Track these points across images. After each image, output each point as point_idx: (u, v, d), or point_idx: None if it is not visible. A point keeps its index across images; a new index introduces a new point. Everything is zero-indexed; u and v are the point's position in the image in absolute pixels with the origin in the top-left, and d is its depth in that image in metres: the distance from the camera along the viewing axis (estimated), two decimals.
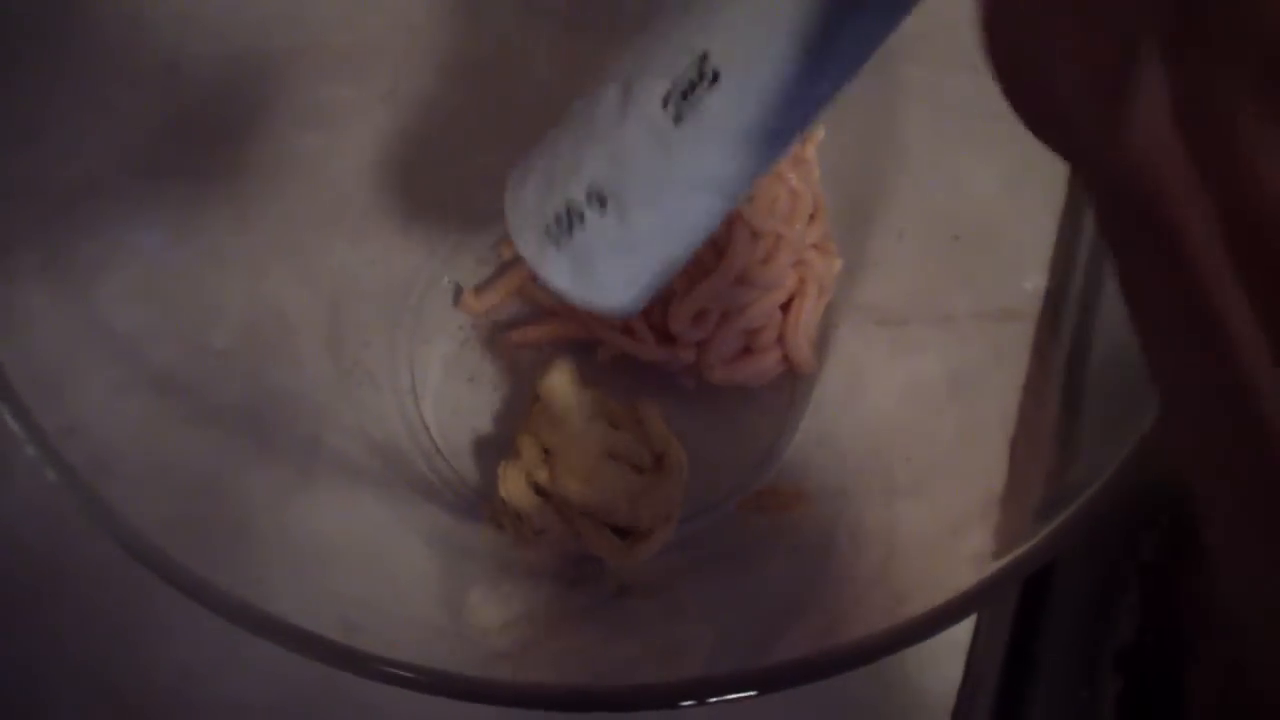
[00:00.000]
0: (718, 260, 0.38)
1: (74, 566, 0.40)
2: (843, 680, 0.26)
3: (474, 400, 0.42)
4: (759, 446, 0.41)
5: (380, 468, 0.40)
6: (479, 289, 0.42)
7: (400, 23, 0.43)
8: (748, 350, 0.40)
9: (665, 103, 0.23)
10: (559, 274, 0.26)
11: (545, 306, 0.41)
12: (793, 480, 0.39)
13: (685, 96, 0.23)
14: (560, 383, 0.36)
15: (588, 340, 0.40)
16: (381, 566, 0.36)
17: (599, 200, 0.24)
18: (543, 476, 0.36)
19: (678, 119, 0.23)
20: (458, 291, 0.43)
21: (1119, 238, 0.16)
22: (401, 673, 0.26)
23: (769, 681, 0.26)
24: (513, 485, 0.37)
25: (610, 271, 0.26)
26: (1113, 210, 0.16)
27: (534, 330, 0.41)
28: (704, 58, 0.22)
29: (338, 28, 0.42)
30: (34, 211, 0.33)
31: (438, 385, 0.42)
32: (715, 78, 0.22)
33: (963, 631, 0.39)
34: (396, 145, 0.44)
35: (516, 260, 0.42)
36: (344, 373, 0.41)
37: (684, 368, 0.40)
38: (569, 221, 0.25)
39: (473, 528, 0.38)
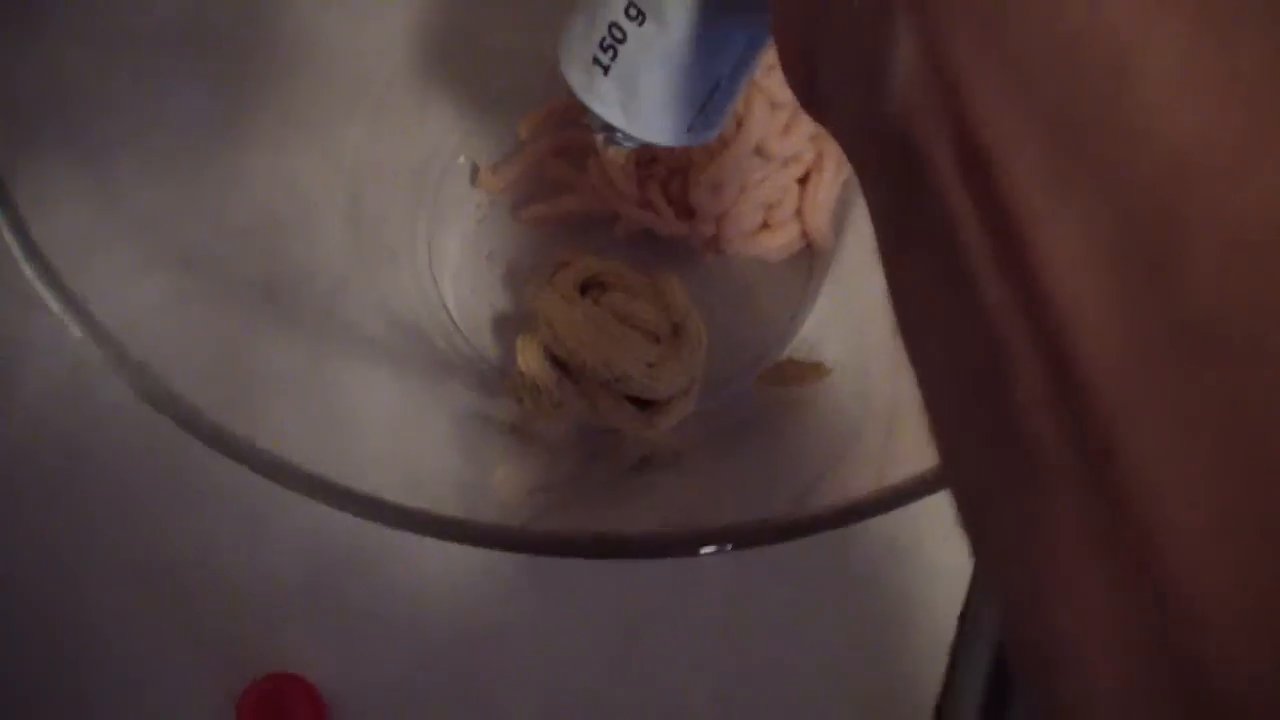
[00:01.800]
0: (736, 131, 0.38)
1: (96, 445, 0.41)
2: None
3: (492, 277, 0.42)
4: (778, 320, 0.41)
5: (401, 343, 0.40)
6: (496, 166, 0.42)
7: None
8: (766, 225, 0.40)
9: None
10: (608, 105, 0.26)
11: (563, 183, 0.41)
12: (810, 354, 0.39)
13: None
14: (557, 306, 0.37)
15: (605, 215, 0.40)
16: (403, 439, 0.36)
17: (639, 14, 0.25)
18: (560, 349, 0.37)
19: None
20: (475, 169, 0.42)
21: (882, 210, 0.18)
22: (426, 520, 0.26)
23: (765, 535, 0.27)
24: (531, 358, 0.37)
25: (657, 90, 0.26)
26: (875, 183, 0.18)
27: (552, 206, 0.40)
28: None
29: None
30: (54, 89, 0.33)
31: (456, 262, 0.42)
32: None
33: None
34: (415, 25, 0.44)
35: (534, 138, 0.41)
36: (362, 249, 0.41)
37: (703, 241, 0.40)
38: (612, 42, 0.25)
39: (492, 402, 0.39)
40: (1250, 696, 0.13)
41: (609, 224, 0.41)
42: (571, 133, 0.41)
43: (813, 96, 0.20)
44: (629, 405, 0.37)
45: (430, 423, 0.38)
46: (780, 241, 0.40)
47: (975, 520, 0.17)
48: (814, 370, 0.37)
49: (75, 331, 0.27)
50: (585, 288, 0.38)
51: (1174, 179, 0.13)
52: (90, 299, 0.28)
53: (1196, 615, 0.13)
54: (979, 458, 0.16)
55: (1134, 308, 0.13)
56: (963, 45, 0.15)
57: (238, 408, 0.30)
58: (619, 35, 0.25)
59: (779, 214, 0.40)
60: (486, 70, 0.43)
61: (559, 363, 0.37)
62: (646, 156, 0.39)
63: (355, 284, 0.40)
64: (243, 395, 0.33)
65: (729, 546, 0.26)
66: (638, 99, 0.26)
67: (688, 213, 0.39)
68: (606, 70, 0.26)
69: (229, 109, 0.39)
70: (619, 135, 0.28)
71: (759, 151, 0.38)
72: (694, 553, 0.27)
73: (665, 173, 0.39)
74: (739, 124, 0.37)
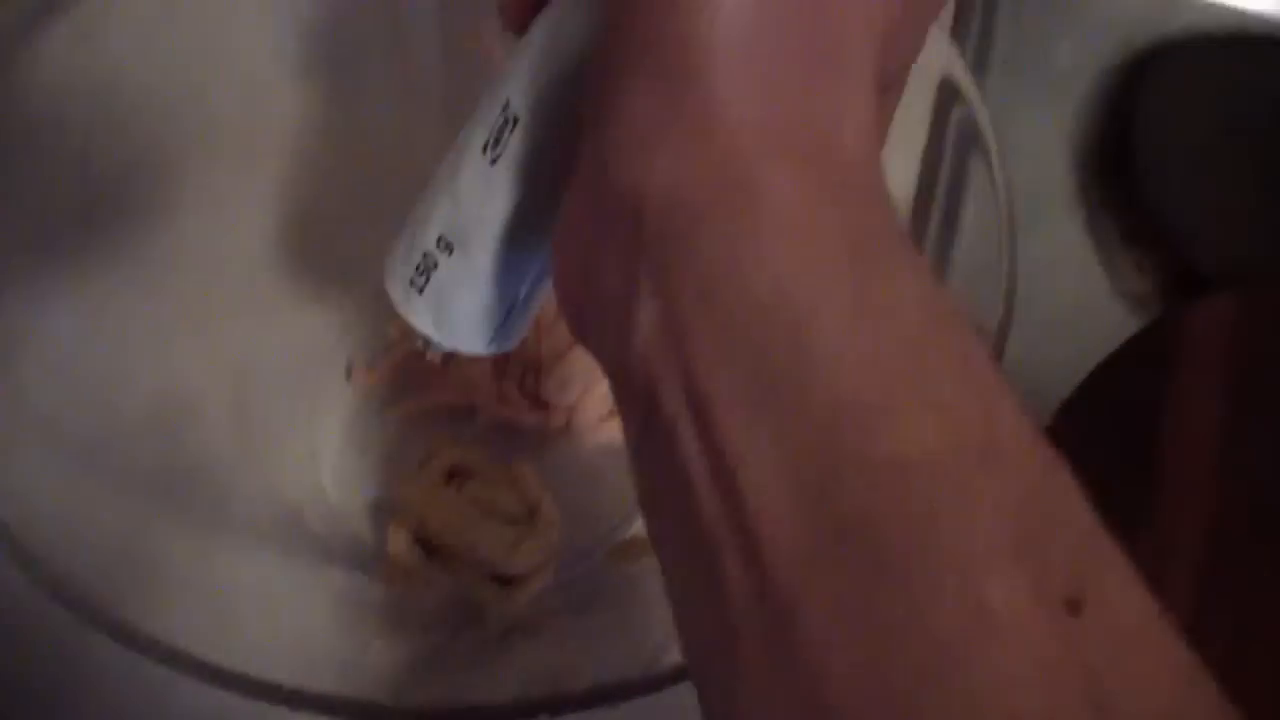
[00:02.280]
0: None
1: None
2: None
3: (369, 466, 0.46)
4: (627, 496, 0.45)
5: (285, 528, 0.43)
6: (370, 363, 0.46)
7: (292, 111, 0.46)
8: (613, 412, 0.45)
9: (484, 149, 0.27)
10: (423, 320, 0.29)
11: (429, 379, 0.45)
12: None
13: (497, 141, 0.27)
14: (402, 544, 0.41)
15: (468, 408, 0.45)
16: (289, 621, 0.39)
17: (447, 246, 0.28)
18: (428, 533, 0.41)
19: (493, 161, 0.27)
20: (350, 366, 0.47)
21: (631, 431, 0.22)
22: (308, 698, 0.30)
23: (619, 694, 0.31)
24: (399, 543, 0.41)
25: (465, 311, 0.29)
26: (627, 409, 0.22)
27: (419, 401, 0.45)
28: (506, 104, 0.26)
29: (233, 118, 0.45)
30: None
31: (335, 452, 0.46)
32: (515, 121, 0.26)
33: None
34: (293, 227, 0.47)
35: (404, 337, 0.46)
36: (248, 440, 0.44)
37: (557, 429, 0.44)
38: (426, 269, 0.28)
39: (369, 583, 0.42)
40: None
41: (471, 415, 0.45)
42: None
43: (582, 335, 0.24)
44: (491, 583, 0.41)
45: (313, 604, 0.41)
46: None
47: (696, 675, 0.21)
48: None
49: None
50: (451, 475, 0.43)
51: (831, 424, 0.18)
52: None
53: None
54: (699, 624, 0.21)
55: (803, 514, 0.18)
56: (687, 313, 0.19)
57: (134, 597, 0.33)
58: (431, 263, 0.28)
59: None
60: (364, 269, 0.47)
61: (428, 545, 0.41)
62: (502, 356, 0.44)
63: (242, 474, 0.44)
64: (138, 585, 0.35)
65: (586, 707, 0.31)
66: (447, 316, 0.29)
67: (541, 405, 0.44)
68: (421, 290, 0.29)
69: (120, 308, 0.42)
70: (434, 343, 0.31)
71: None
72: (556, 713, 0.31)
73: (520, 370, 0.44)
74: None
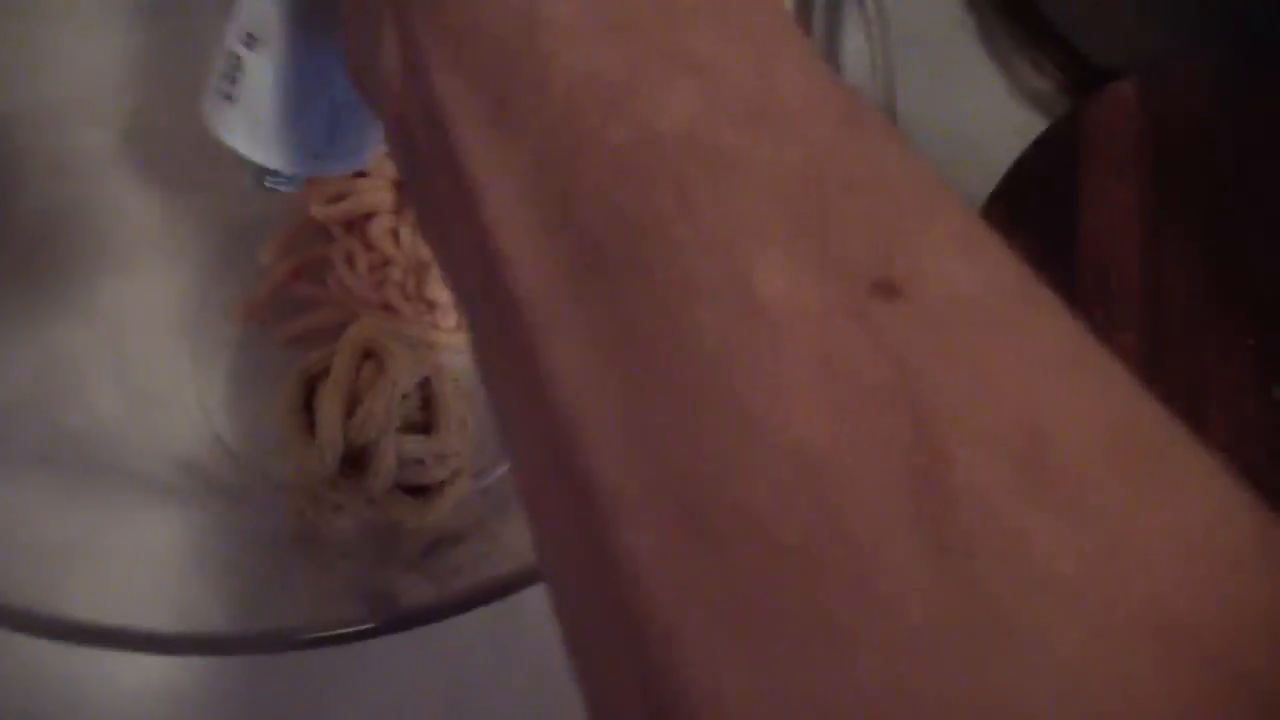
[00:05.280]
0: None
1: None
2: None
3: (262, 402, 0.43)
4: None
5: (184, 481, 0.41)
6: (245, 295, 0.44)
7: (122, 58, 0.44)
8: None
9: None
10: (237, 133, 0.27)
11: (309, 299, 0.43)
12: None
13: None
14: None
15: (352, 322, 0.42)
16: (206, 573, 0.38)
17: (250, 40, 0.26)
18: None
19: None
20: (227, 304, 0.44)
21: (402, 164, 0.20)
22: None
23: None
24: (330, 408, 0.38)
25: (278, 113, 0.27)
26: (397, 146, 0.20)
27: (300, 323, 0.42)
28: None
29: (68, 77, 0.43)
30: None
31: (227, 394, 0.44)
32: None
33: None
34: (147, 177, 0.45)
35: (276, 262, 0.43)
36: (132, 400, 0.42)
37: (449, 330, 0.42)
38: (233, 72, 0.27)
39: (278, 518, 0.40)
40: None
41: None
42: (310, 252, 0.43)
43: (368, 104, 0.22)
44: (404, 496, 0.39)
45: (225, 551, 0.39)
46: None
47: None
48: None
49: None
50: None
51: (568, 115, 0.15)
52: None
53: (602, 486, 0.14)
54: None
55: (548, 235, 0.15)
56: (418, 28, 0.17)
57: (41, 584, 0.31)
58: (236, 63, 0.27)
59: None
60: (222, 207, 0.45)
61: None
62: (380, 261, 0.41)
63: (131, 435, 0.42)
64: (39, 565, 0.34)
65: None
66: (261, 125, 0.27)
67: (430, 306, 0.41)
68: (230, 98, 0.27)
69: None
70: (267, 178, 0.29)
71: None
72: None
73: (400, 273, 0.41)
74: None
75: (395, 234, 0.41)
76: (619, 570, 0.14)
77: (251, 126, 0.27)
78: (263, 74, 0.26)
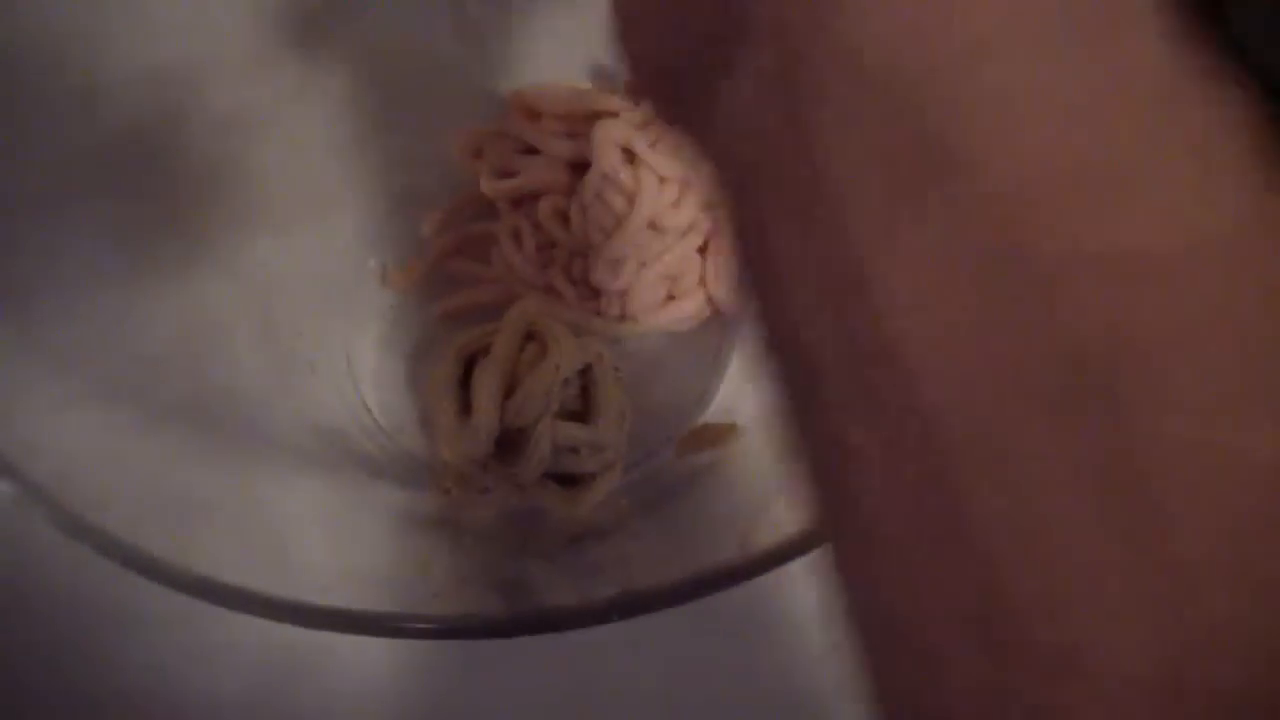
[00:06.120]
0: (629, 208, 0.39)
1: (33, 586, 0.41)
2: None
3: (413, 375, 0.43)
4: (693, 387, 0.42)
5: (326, 449, 0.40)
6: (405, 266, 0.43)
7: (299, 22, 0.44)
8: (672, 296, 0.41)
9: None
10: None
11: (470, 276, 0.42)
12: (727, 415, 0.40)
13: None
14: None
15: (512, 302, 0.41)
16: (337, 544, 0.37)
17: None
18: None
19: None
20: (384, 272, 0.43)
21: (733, 200, 0.17)
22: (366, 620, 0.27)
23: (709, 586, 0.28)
24: (487, 385, 0.37)
25: None
26: (725, 178, 0.17)
27: (460, 298, 0.41)
28: None
29: (239, 34, 0.43)
30: None
31: (375, 365, 0.43)
32: None
33: None
34: (311, 140, 0.45)
35: (438, 235, 0.42)
36: (279, 363, 0.42)
37: (612, 319, 0.41)
38: None
39: (421, 496, 0.39)
40: None
41: None
42: (474, 227, 0.42)
43: (662, 104, 0.19)
44: (554, 484, 0.38)
45: (362, 525, 0.38)
46: (687, 311, 0.41)
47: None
48: (728, 431, 0.38)
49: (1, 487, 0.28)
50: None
51: (1018, 207, 0.13)
52: (15, 440, 0.29)
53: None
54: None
55: (984, 347, 0.13)
56: (806, 73, 0.14)
57: (170, 534, 0.31)
58: None
59: (684, 284, 0.41)
60: (385, 175, 0.44)
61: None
62: (546, 242, 0.40)
63: (276, 398, 0.41)
64: (175, 521, 0.33)
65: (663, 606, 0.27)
66: None
67: (593, 293, 0.40)
68: None
69: (136, 242, 0.39)
70: None
71: (653, 226, 0.39)
72: (642, 613, 0.28)
73: (566, 256, 0.40)
74: (631, 202, 0.39)
75: (564, 215, 0.40)
76: None
77: None
78: None
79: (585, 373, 0.38)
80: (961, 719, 0.14)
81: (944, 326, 0.13)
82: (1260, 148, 0.13)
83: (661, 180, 0.39)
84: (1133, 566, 0.12)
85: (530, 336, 0.38)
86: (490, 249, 0.41)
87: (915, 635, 0.14)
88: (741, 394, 0.41)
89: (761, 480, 0.38)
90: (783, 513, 0.35)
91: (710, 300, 0.41)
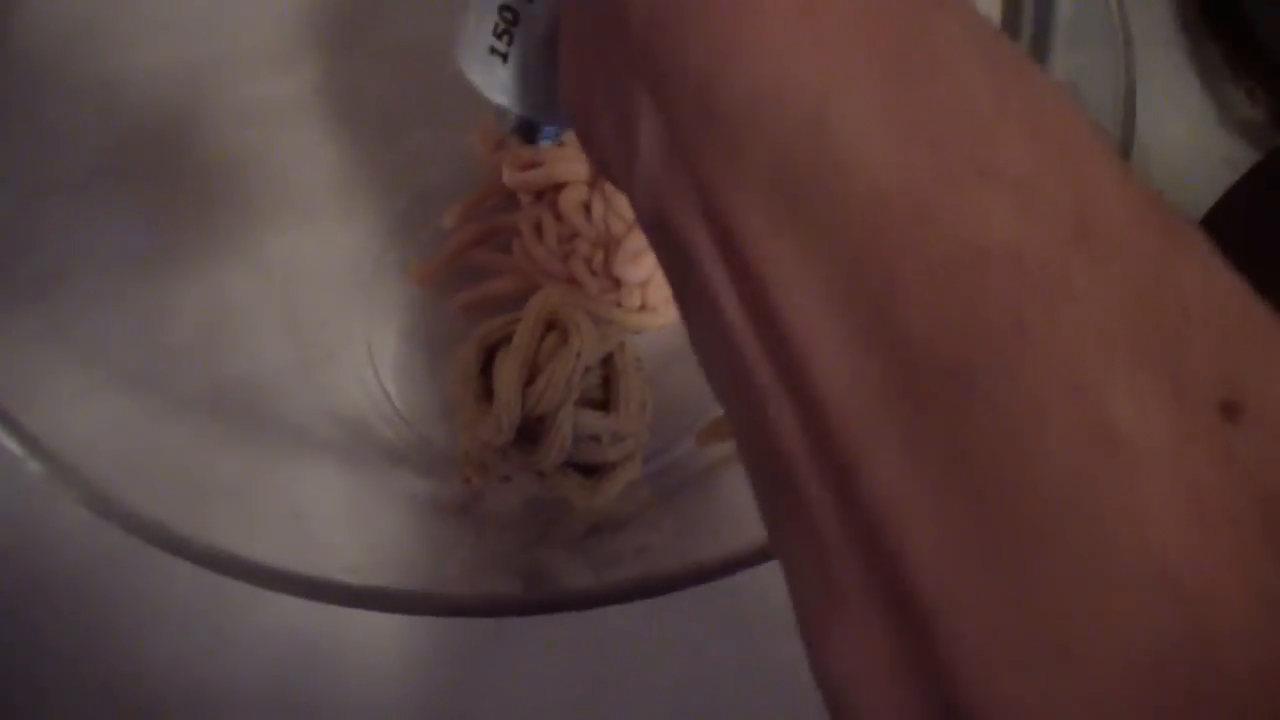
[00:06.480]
0: None
1: (53, 570, 0.42)
2: None
3: (434, 365, 0.43)
4: None
5: (347, 438, 0.41)
6: (426, 258, 0.43)
7: (322, 17, 0.44)
8: None
9: None
10: (510, 93, 0.25)
11: (492, 267, 0.42)
12: None
13: None
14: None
15: (533, 293, 0.41)
16: (357, 532, 0.37)
17: None
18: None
19: None
20: (405, 264, 0.44)
21: (657, 247, 0.19)
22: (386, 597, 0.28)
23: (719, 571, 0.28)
24: (509, 372, 0.37)
25: (547, 67, 0.25)
26: (652, 245, 0.19)
27: (483, 290, 0.42)
28: None
29: (263, 28, 0.44)
30: None
31: (397, 356, 0.43)
32: None
33: None
34: (333, 133, 0.45)
35: (459, 227, 0.43)
36: (301, 353, 0.42)
37: (632, 309, 0.41)
38: (506, 26, 0.25)
39: (442, 485, 0.39)
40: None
41: None
42: (496, 219, 0.42)
43: (595, 161, 0.21)
44: (575, 474, 0.38)
45: (383, 512, 0.39)
46: None
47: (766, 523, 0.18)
48: None
49: (32, 466, 0.28)
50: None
51: (877, 228, 0.14)
52: (41, 426, 0.29)
53: (941, 625, 0.14)
54: (757, 476, 0.17)
55: (863, 349, 0.14)
56: (689, 122, 0.16)
57: (193, 518, 0.31)
58: (510, 17, 0.25)
59: None
60: (407, 168, 0.45)
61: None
62: (568, 234, 0.41)
63: (297, 387, 0.41)
64: (197, 506, 0.33)
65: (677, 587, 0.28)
66: (534, 81, 0.25)
67: (614, 285, 0.40)
68: (505, 58, 0.25)
69: (159, 233, 0.40)
70: (538, 133, 0.27)
71: None
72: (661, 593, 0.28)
73: (588, 247, 0.40)
74: None
75: (586, 207, 0.40)
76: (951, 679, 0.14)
77: (525, 84, 0.25)
78: (536, 29, 0.25)
79: (607, 362, 0.38)
80: None
81: (829, 332, 0.15)
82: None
83: None
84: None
85: (551, 326, 0.38)
86: (512, 241, 0.42)
87: None
88: None
89: None
90: None
91: None
